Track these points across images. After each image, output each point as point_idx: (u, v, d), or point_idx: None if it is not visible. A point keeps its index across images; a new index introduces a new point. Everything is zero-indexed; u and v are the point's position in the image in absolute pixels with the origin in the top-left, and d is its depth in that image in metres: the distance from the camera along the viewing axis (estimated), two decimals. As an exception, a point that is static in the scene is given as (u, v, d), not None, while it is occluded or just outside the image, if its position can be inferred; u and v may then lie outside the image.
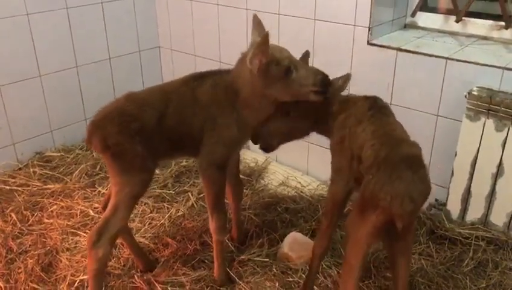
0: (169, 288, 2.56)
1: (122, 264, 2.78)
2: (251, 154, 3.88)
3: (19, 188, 3.42)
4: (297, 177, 3.67)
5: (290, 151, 3.71)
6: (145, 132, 2.18)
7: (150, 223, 3.09)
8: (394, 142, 1.96)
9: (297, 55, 2.36)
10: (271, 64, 2.15)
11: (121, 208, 2.19)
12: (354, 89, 3.17)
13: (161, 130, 2.22)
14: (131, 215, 3.13)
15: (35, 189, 3.43)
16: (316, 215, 3.15)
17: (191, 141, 2.30)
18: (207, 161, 2.33)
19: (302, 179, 3.65)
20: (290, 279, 2.64)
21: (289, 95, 2.24)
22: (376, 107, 2.14)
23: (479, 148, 2.74)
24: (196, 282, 2.62)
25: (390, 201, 1.74)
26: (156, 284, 2.58)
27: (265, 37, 2.08)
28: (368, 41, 3.10)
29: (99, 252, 2.16)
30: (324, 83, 2.20)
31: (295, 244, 2.84)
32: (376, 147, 1.93)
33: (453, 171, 2.87)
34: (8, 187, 3.43)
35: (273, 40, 2.19)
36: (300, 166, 3.76)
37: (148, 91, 2.45)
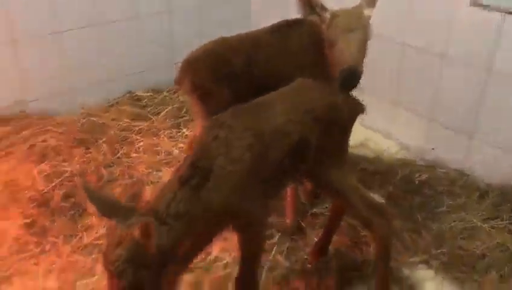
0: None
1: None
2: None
3: (111, 123, 3.66)
4: (377, 139, 3.60)
5: (373, 112, 3.63)
6: (234, 78, 2.23)
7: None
8: None
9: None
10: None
11: None
12: (452, 50, 3.01)
13: (250, 77, 2.26)
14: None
15: (125, 125, 3.65)
16: (393, 180, 3.10)
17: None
18: None
19: (383, 142, 3.57)
20: (361, 236, 2.65)
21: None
22: None
23: None
24: (268, 227, 2.70)
25: None
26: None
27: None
28: (471, 2, 2.90)
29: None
30: (350, 76, 2.08)
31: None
32: None
33: None
34: (101, 121, 3.67)
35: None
36: (381, 128, 3.67)
37: (239, 37, 2.48)
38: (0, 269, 2.45)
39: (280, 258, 2.52)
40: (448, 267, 2.50)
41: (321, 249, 2.51)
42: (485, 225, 2.69)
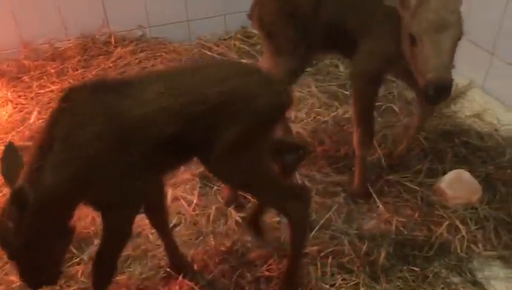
0: (306, 181, 2.57)
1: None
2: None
3: (217, 56, 3.73)
4: (497, 112, 3.09)
5: (501, 79, 3.12)
6: (300, 17, 2.07)
7: (314, 117, 3.07)
8: None
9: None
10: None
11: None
12: None
13: (317, 19, 2.07)
14: (301, 105, 3.17)
15: (230, 60, 3.69)
16: (498, 160, 2.66)
17: (345, 39, 2.09)
18: (357, 71, 2.13)
19: (503, 115, 3.06)
20: (435, 215, 2.37)
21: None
22: None
23: None
24: (334, 185, 2.57)
25: None
26: (296, 174, 2.61)
27: None
28: None
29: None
30: (438, 89, 1.74)
31: (457, 183, 2.49)
32: None
33: None
34: (209, 53, 3.77)
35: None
36: (505, 97, 3.13)
37: None
38: None
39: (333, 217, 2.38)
40: (530, 271, 2.12)
41: (253, 221, 2.17)
42: None
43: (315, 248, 2.22)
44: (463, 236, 2.25)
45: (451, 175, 2.52)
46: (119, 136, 1.53)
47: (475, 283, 2.11)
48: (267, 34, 2.16)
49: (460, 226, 2.28)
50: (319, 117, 3.06)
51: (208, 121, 1.60)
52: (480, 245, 2.24)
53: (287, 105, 1.74)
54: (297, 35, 2.12)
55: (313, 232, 2.29)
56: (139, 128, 1.56)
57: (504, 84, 3.13)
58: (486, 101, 3.18)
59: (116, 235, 1.73)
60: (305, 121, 3.03)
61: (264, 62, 2.27)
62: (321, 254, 2.18)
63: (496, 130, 2.94)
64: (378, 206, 2.43)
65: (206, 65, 1.75)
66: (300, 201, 1.85)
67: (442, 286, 2.09)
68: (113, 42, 3.78)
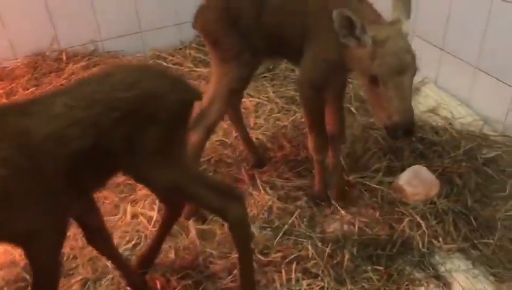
0: (268, 188, 2.56)
1: (237, 154, 2.85)
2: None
3: (173, 67, 3.69)
4: (451, 106, 3.16)
5: (453, 74, 3.19)
6: (243, 25, 2.06)
7: (273, 123, 3.06)
8: None
9: None
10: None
11: (217, 100, 2.18)
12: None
13: (260, 27, 2.06)
14: (260, 111, 3.16)
15: (186, 70, 3.66)
16: (454, 153, 2.71)
17: (289, 47, 2.10)
18: (303, 79, 2.14)
19: (457, 109, 3.13)
20: (395, 213, 2.39)
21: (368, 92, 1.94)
22: None
23: None
24: (295, 189, 2.56)
25: None
26: (258, 181, 2.60)
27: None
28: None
29: (193, 138, 2.22)
30: (402, 131, 1.84)
31: (415, 179, 2.51)
32: None
33: None
34: (164, 64, 3.72)
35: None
36: (458, 93, 3.21)
37: None
38: None
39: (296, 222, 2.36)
40: (490, 261, 2.16)
41: (146, 260, 2.10)
42: (551, 220, 2.25)
43: (279, 254, 2.20)
44: (424, 231, 2.27)
45: (409, 172, 2.55)
46: (29, 158, 1.44)
47: (438, 277, 2.13)
48: (211, 43, 2.15)
49: (420, 221, 2.30)
50: (278, 122, 3.06)
51: (124, 128, 1.56)
52: (440, 239, 2.26)
53: (194, 99, 1.74)
54: (241, 42, 2.11)
55: (277, 239, 2.27)
56: (50, 146, 1.47)
57: (455, 78, 3.21)
58: (440, 96, 3.25)
59: (42, 271, 1.61)
60: (265, 126, 3.03)
61: (212, 70, 2.25)
62: (285, 261, 2.16)
63: (450, 124, 3.00)
64: (339, 209, 2.43)
65: (112, 72, 1.66)
66: (235, 200, 1.81)
67: (406, 283, 2.10)
68: (64, 59, 3.69)
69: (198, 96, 1.77)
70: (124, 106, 1.56)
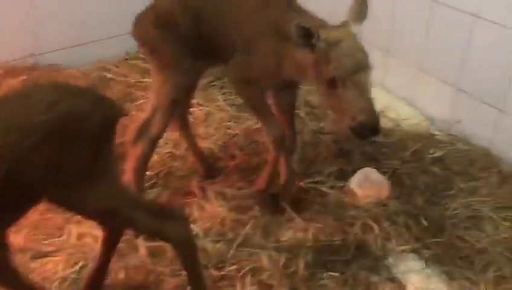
0: (220, 199, 2.50)
1: (188, 166, 2.78)
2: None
3: (118, 78, 3.57)
4: (397, 107, 3.21)
5: (396, 75, 3.25)
6: (181, 32, 2.02)
7: (224, 132, 3.01)
8: None
9: None
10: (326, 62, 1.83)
11: (159, 110, 2.12)
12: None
13: (198, 35, 2.03)
14: (210, 120, 3.11)
15: (132, 81, 3.55)
16: (402, 154, 2.75)
17: (227, 53, 2.08)
18: (235, 76, 2.15)
19: (403, 110, 3.18)
20: (348, 217, 2.39)
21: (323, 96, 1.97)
22: None
23: None
24: (248, 198, 2.52)
25: None
26: (209, 192, 2.54)
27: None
28: None
29: (138, 150, 2.15)
30: (369, 130, 1.85)
31: (365, 182, 2.53)
32: None
33: None
34: (109, 76, 3.60)
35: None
36: (404, 95, 3.27)
37: None
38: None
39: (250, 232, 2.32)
40: (441, 259, 2.19)
41: (94, 283, 1.99)
42: (496, 216, 2.31)
43: (233, 267, 2.15)
44: (376, 234, 2.28)
45: (359, 174, 2.57)
46: None
47: (393, 279, 2.14)
48: (149, 51, 2.11)
49: (373, 224, 2.32)
50: (229, 131, 3.01)
51: (43, 153, 1.42)
52: (393, 241, 2.28)
53: (118, 116, 1.65)
54: (180, 50, 2.07)
55: (231, 252, 2.22)
56: None
57: (400, 80, 3.27)
58: (388, 98, 3.30)
59: None
60: (216, 136, 2.97)
61: (152, 79, 2.20)
62: (240, 273, 2.11)
63: (398, 125, 3.05)
64: (293, 217, 2.41)
65: (28, 93, 1.54)
66: (175, 219, 1.74)
67: (362, 287, 2.10)
68: (1, 74, 3.49)
69: (121, 113, 1.66)
70: (43, 129, 1.42)
